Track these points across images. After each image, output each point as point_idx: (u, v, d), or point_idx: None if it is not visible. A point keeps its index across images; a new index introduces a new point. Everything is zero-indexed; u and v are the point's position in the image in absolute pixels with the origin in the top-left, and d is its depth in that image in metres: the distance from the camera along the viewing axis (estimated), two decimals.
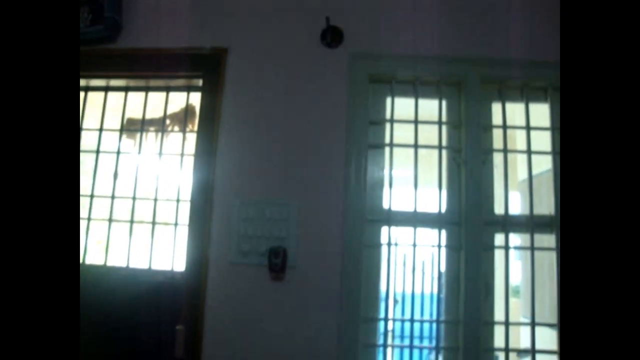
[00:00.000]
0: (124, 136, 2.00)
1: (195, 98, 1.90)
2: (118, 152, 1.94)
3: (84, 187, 1.93)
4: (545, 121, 1.73)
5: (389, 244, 1.66)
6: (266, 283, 1.61)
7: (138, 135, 1.99)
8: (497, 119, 1.74)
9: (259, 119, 1.72)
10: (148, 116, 1.98)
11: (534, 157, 1.71)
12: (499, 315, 1.66)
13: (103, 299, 1.80)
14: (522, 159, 1.75)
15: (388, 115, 1.73)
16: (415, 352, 1.67)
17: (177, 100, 1.99)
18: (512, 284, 2.16)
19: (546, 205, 1.74)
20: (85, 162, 2.00)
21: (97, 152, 1.94)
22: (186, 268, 1.70)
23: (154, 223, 1.88)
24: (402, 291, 2.68)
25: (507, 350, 1.64)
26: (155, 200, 1.88)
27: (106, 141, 1.97)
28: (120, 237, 1.91)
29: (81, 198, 1.94)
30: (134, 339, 1.74)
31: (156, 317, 1.73)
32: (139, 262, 1.88)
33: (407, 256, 1.59)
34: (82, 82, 1.94)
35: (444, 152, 1.72)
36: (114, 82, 1.95)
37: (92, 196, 1.92)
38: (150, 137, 2.03)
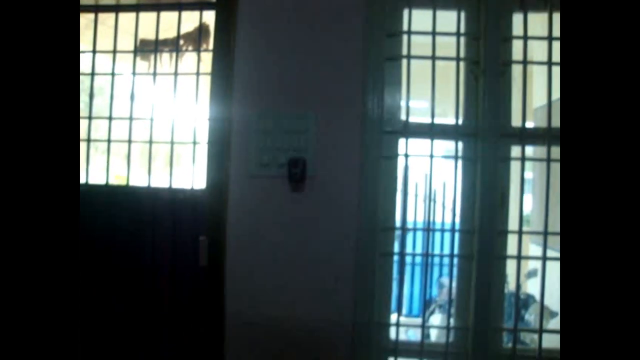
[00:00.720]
0: (138, 58, 1.99)
1: (209, 16, 1.87)
2: (133, 74, 1.94)
3: (102, 109, 1.95)
4: None
5: (406, 155, 1.68)
6: (286, 193, 1.65)
7: (152, 56, 1.98)
8: (517, 30, 1.71)
9: (275, 34, 1.69)
10: (161, 37, 1.96)
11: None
12: (512, 225, 1.70)
13: (126, 218, 1.86)
14: (541, 70, 1.73)
15: (405, 27, 1.70)
16: (432, 260, 1.72)
17: (191, 19, 1.96)
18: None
19: None
20: (101, 84, 2.01)
21: (112, 74, 1.94)
22: (207, 183, 1.74)
23: (172, 143, 1.90)
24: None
25: (519, 257, 1.68)
26: (173, 120, 1.89)
27: (120, 63, 1.97)
28: (140, 158, 1.94)
29: (98, 121, 1.97)
30: (158, 252, 1.82)
31: (179, 230, 1.80)
32: (159, 182, 1.92)
33: (423, 168, 1.61)
34: (91, 0, 1.92)
35: (461, 64, 1.70)
36: (125, 1, 1.92)
37: (110, 118, 1.93)
38: (165, 58, 2.02)
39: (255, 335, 1.67)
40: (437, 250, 1.77)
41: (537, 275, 2.66)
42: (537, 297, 2.35)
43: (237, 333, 1.68)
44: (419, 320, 1.76)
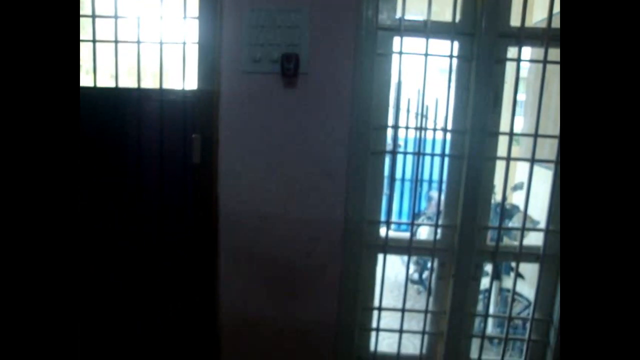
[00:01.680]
0: None
1: None
2: None
3: (84, 5, 1.86)
4: None
5: (401, 53, 1.65)
6: (279, 89, 1.63)
7: None
8: None
9: None
10: None
11: None
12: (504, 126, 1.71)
13: (116, 120, 1.83)
14: None
15: None
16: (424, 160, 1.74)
17: None
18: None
19: None
20: None
21: None
22: (198, 81, 1.71)
23: (161, 43, 1.84)
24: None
25: (508, 158, 1.71)
26: (162, 18, 1.82)
27: None
28: (128, 59, 1.88)
29: (83, 19, 1.88)
30: (149, 152, 1.81)
31: (171, 130, 1.79)
32: (149, 84, 1.88)
33: (418, 66, 1.59)
34: None
35: None
36: None
37: (93, 16, 1.85)
38: None
39: (247, 227, 1.71)
40: (429, 162, 1.79)
41: (522, 189, 2.73)
42: (522, 207, 2.43)
43: (230, 227, 1.72)
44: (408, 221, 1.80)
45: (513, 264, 2.21)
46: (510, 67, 1.69)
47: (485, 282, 2.37)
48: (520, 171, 3.10)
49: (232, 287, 1.77)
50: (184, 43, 1.82)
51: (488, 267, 2.60)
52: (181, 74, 1.82)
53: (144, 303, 1.90)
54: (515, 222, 2.76)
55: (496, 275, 2.67)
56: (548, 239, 1.74)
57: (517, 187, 2.78)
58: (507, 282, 2.83)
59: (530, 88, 3.03)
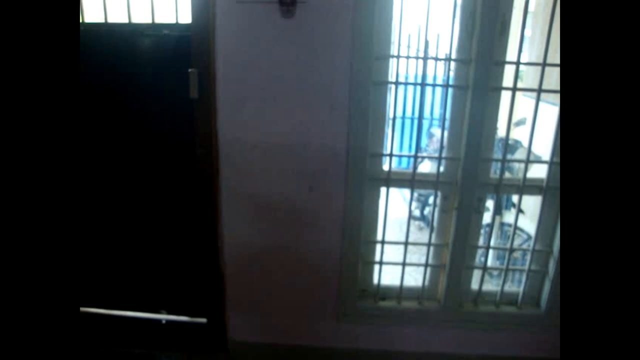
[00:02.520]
0: None
1: None
2: None
3: None
4: None
5: None
6: (277, 20, 1.56)
7: None
8: None
9: None
10: None
11: None
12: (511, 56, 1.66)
13: (107, 57, 1.77)
14: None
15: None
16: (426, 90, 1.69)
17: None
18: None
19: None
20: None
21: None
22: (192, 13, 1.64)
23: None
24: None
25: (514, 89, 1.67)
26: None
27: None
28: None
29: None
30: (148, 87, 1.76)
31: (166, 65, 1.73)
32: (141, 18, 1.80)
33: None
34: None
35: None
36: None
37: None
38: None
39: (247, 164, 1.70)
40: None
41: (525, 124, 2.70)
42: (525, 143, 2.41)
43: (230, 162, 1.71)
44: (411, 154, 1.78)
45: (515, 200, 2.21)
46: None
47: (487, 217, 2.39)
48: (522, 107, 3.04)
49: (234, 223, 1.77)
50: None
51: (489, 203, 2.61)
52: (174, 7, 1.74)
53: (145, 241, 1.92)
54: (518, 157, 2.74)
55: (498, 210, 2.68)
56: (552, 171, 1.73)
57: (519, 123, 2.74)
58: (508, 217, 2.86)
59: (537, 21, 2.92)
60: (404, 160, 4.03)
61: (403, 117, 3.81)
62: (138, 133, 1.81)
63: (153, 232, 1.91)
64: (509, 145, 2.63)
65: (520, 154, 2.69)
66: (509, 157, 2.70)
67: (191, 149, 1.74)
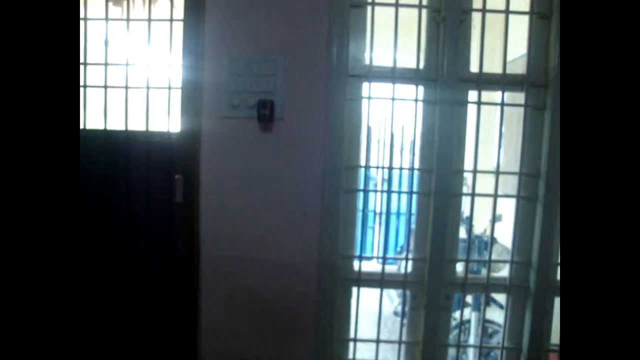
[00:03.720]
0: (110, 3, 2.02)
1: None
2: (106, 19, 1.97)
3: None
4: None
5: (369, 98, 1.77)
6: (256, 134, 1.74)
7: (125, 2, 2.00)
8: None
9: None
10: None
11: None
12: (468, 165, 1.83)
13: (103, 161, 1.94)
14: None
15: None
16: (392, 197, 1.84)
17: None
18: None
19: (520, 65, 1.84)
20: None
21: (85, 20, 1.97)
22: (181, 124, 1.82)
23: (148, 88, 1.96)
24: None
25: (473, 195, 1.82)
26: (148, 65, 1.95)
27: (93, 9, 1.99)
28: (116, 102, 2.00)
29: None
30: (135, 192, 1.91)
31: (155, 171, 1.89)
32: (136, 126, 1.98)
33: (386, 110, 1.71)
34: None
35: (424, 11, 1.78)
36: None
37: (85, 64, 1.98)
38: (138, 4, 2.05)
39: (227, 263, 1.80)
40: (397, 192, 1.89)
41: (501, 220, 2.82)
42: (500, 239, 2.54)
43: (211, 263, 1.81)
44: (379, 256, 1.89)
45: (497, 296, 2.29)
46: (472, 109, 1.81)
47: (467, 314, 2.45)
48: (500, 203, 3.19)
49: (212, 320, 1.84)
50: (169, 88, 1.94)
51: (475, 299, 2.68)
52: (166, 117, 1.93)
53: (126, 333, 1.96)
54: (494, 254, 2.84)
55: (476, 307, 2.74)
56: (514, 270, 1.84)
57: (495, 219, 2.86)
58: (492, 313, 2.90)
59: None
60: (389, 250, 4.11)
61: (382, 213, 3.96)
62: (128, 229, 1.92)
63: (135, 322, 1.96)
64: (483, 242, 2.77)
65: (496, 250, 2.80)
66: (484, 253, 2.82)
67: (175, 247, 1.85)
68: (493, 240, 2.84)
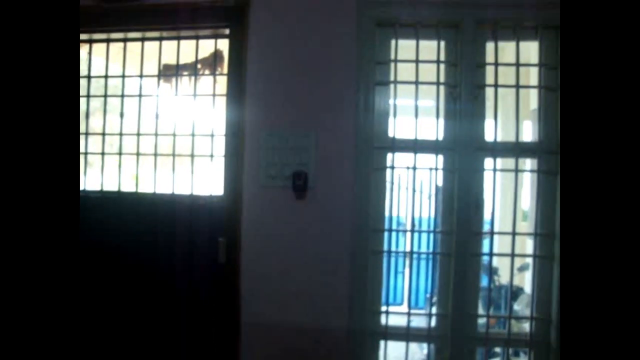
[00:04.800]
0: (161, 81, 2.28)
1: (223, 44, 2.15)
2: (157, 95, 2.23)
3: (131, 126, 2.24)
4: (536, 58, 1.96)
5: (393, 168, 1.96)
6: (291, 201, 1.94)
7: (174, 79, 2.26)
8: (490, 57, 1.97)
9: (281, 61, 1.98)
10: (181, 62, 2.25)
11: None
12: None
13: (153, 222, 2.15)
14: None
15: (392, 56, 1.96)
16: (415, 257, 2.00)
17: (207, 47, 2.24)
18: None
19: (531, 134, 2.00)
20: (129, 105, 2.30)
21: (140, 96, 2.23)
22: (224, 192, 2.04)
23: (192, 156, 2.19)
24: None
25: (491, 254, 1.96)
26: (193, 135, 2.18)
27: (146, 86, 2.26)
28: (164, 169, 2.24)
29: (128, 137, 2.26)
30: (183, 251, 2.11)
31: (201, 232, 2.09)
32: (181, 190, 2.21)
33: (409, 178, 1.89)
34: (120, 35, 2.21)
35: (441, 87, 1.96)
36: (149, 34, 2.20)
37: (138, 134, 2.23)
38: (185, 81, 2.31)
39: (266, 319, 1.97)
40: (422, 249, 2.05)
41: (528, 269, 2.92)
42: (527, 289, 2.63)
43: (252, 317, 1.98)
44: (406, 309, 2.04)
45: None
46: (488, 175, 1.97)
47: None
48: (529, 250, 3.29)
49: None
50: (212, 156, 2.16)
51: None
52: (209, 182, 2.15)
53: None
54: (520, 304, 2.92)
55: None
56: (535, 327, 1.95)
57: (523, 268, 2.96)
58: None
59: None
60: (420, 299, 4.15)
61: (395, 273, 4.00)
62: (172, 289, 2.12)
63: None
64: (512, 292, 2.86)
65: (522, 301, 2.89)
66: (512, 302, 2.91)
67: (218, 307, 2.02)
68: (518, 291, 2.94)
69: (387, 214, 1.98)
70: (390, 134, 1.97)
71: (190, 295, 2.10)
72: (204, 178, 2.20)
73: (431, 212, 2.01)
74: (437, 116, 1.96)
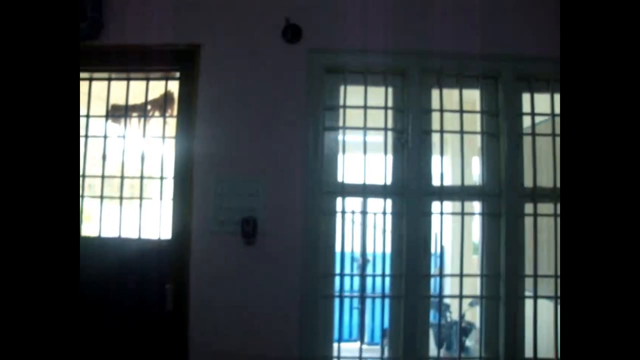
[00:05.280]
0: (109, 121, 2.23)
1: (174, 85, 2.14)
2: (105, 136, 2.18)
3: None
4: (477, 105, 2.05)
5: (343, 212, 1.97)
6: (240, 247, 1.92)
7: (122, 120, 2.22)
8: (436, 103, 2.04)
9: (231, 105, 1.98)
10: (130, 102, 2.21)
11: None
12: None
13: (99, 267, 2.07)
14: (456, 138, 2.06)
15: (342, 102, 2.00)
16: (366, 301, 2.00)
17: (157, 87, 2.22)
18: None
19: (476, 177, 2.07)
20: None
21: (86, 136, 2.17)
22: (172, 236, 1.99)
23: (141, 198, 2.14)
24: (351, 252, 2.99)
25: (440, 296, 1.99)
26: (142, 178, 2.14)
27: (94, 126, 2.20)
28: (111, 212, 2.17)
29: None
30: (129, 298, 2.04)
31: (148, 278, 2.03)
32: (129, 233, 2.15)
33: (358, 222, 1.91)
34: None
35: (389, 133, 2.01)
36: (97, 75, 2.16)
37: (83, 176, 2.16)
38: (134, 122, 2.27)
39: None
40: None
41: (478, 304, 2.96)
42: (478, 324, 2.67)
43: None
44: (357, 352, 2.03)
45: None
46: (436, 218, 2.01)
47: None
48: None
49: None
50: (161, 199, 2.12)
51: None
52: (157, 226, 2.10)
53: None
54: (472, 340, 2.96)
55: None
56: None
57: (474, 303, 3.01)
58: None
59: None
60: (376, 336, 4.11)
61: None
62: (119, 338, 2.03)
63: None
64: (462, 328, 2.91)
65: (473, 337, 2.93)
66: (464, 339, 2.95)
67: (166, 353, 1.96)
68: (469, 327, 2.99)
69: (337, 258, 1.99)
70: (340, 179, 1.99)
71: (137, 347, 2.02)
72: (153, 221, 2.15)
73: (384, 250, 2.02)
74: (386, 161, 2.00)
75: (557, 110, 2.00)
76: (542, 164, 2.04)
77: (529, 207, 2.01)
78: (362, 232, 1.99)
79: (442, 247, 1.99)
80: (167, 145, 2.14)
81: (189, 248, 1.95)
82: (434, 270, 2.02)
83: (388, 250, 2.02)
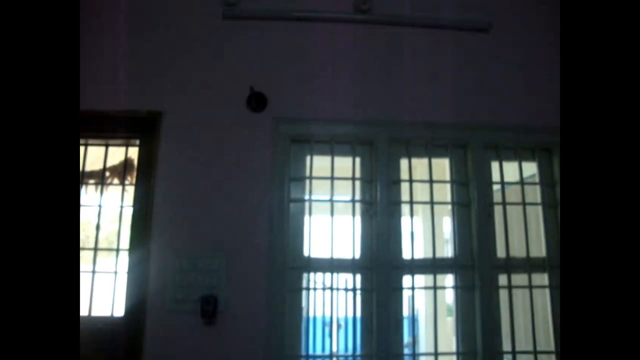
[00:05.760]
0: None
1: (134, 152, 2.04)
2: None
3: None
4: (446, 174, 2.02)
5: (309, 289, 1.87)
6: (199, 327, 1.78)
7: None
8: (404, 173, 1.99)
9: (192, 175, 1.89)
10: (88, 169, 2.10)
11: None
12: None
13: None
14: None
15: (308, 172, 1.94)
16: None
17: (117, 154, 2.13)
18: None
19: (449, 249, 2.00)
20: None
21: None
22: (125, 315, 1.84)
23: (93, 272, 2.00)
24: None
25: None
26: (96, 250, 2.00)
27: None
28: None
29: None
30: None
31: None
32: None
33: (325, 298, 1.80)
34: None
35: (357, 204, 1.95)
36: None
37: None
38: (90, 190, 2.15)
39: None
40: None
41: None
42: None
43: None
44: None
45: None
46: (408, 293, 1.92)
47: None
48: None
49: None
50: (115, 272, 1.98)
51: None
52: (110, 302, 1.95)
53: None
54: None
55: None
56: None
57: None
58: None
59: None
60: None
61: None
62: None
63: None
64: None
65: None
66: None
67: None
68: None
69: (302, 338, 1.86)
70: (306, 254, 1.90)
71: None
72: (105, 297, 2.00)
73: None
74: (354, 234, 1.92)
75: (525, 177, 1.98)
76: (514, 233, 2.00)
77: (502, 279, 1.95)
78: (331, 305, 1.88)
79: (413, 324, 1.88)
80: (125, 215, 2.02)
81: (144, 328, 1.80)
82: (407, 350, 1.90)
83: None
